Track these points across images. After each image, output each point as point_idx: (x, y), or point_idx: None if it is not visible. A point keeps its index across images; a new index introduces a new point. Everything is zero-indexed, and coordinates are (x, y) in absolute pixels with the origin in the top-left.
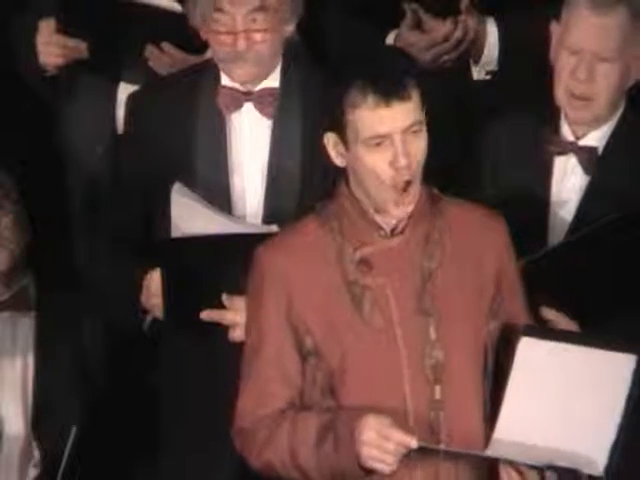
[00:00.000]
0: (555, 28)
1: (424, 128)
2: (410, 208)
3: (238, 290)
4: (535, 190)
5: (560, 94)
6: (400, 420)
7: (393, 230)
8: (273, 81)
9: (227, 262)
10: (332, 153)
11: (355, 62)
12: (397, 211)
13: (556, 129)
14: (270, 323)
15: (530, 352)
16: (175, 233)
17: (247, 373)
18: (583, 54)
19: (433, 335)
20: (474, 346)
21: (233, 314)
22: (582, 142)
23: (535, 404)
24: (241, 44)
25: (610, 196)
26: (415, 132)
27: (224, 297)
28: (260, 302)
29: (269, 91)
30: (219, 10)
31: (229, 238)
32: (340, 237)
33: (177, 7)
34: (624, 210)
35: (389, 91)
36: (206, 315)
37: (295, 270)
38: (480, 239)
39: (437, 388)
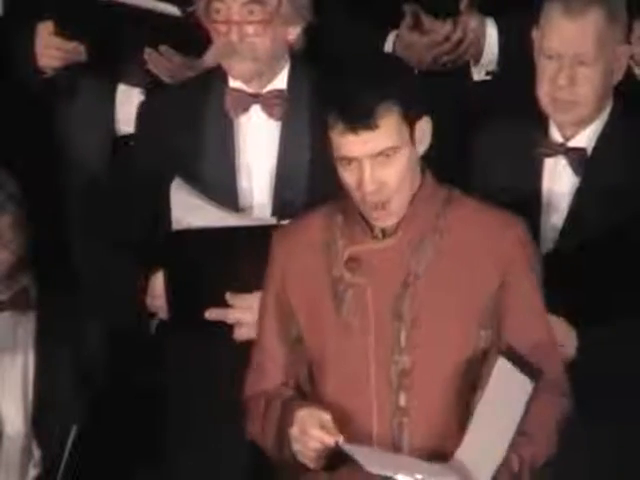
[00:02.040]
0: (535, 34)
1: (402, 150)
2: (390, 222)
3: (242, 287)
4: (526, 192)
5: (543, 99)
6: (365, 423)
7: (384, 232)
8: (280, 83)
9: (229, 256)
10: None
11: (331, 86)
12: (377, 223)
13: (545, 131)
14: (268, 307)
15: (503, 374)
16: (174, 227)
17: (254, 349)
18: (562, 59)
19: (403, 342)
20: (455, 353)
21: (237, 312)
22: (571, 143)
23: (489, 426)
24: (234, 35)
25: (601, 196)
26: (388, 156)
27: (228, 295)
28: (266, 286)
29: (276, 93)
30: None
31: (230, 231)
32: (338, 232)
33: (176, 11)
34: (616, 210)
35: (355, 121)
36: (210, 314)
37: (292, 259)
38: (487, 245)
39: (402, 395)
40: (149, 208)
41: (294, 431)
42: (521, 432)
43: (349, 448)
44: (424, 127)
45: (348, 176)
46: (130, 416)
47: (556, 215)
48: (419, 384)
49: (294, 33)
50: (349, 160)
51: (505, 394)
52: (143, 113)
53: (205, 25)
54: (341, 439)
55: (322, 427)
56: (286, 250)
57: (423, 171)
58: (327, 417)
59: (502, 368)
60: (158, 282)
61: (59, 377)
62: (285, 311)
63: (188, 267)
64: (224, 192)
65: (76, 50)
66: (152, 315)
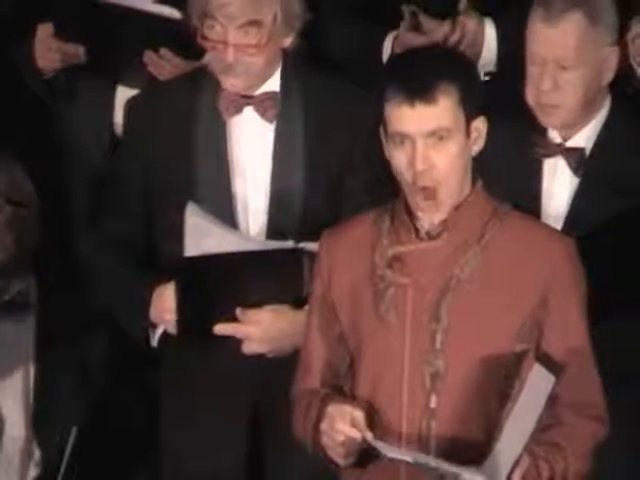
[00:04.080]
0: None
1: (455, 134)
2: (437, 216)
3: (251, 304)
4: (525, 193)
5: (531, 104)
6: (394, 422)
7: (429, 234)
8: (273, 85)
9: (241, 278)
10: (385, 146)
11: (398, 59)
12: (424, 215)
13: (543, 131)
14: (314, 307)
15: (536, 379)
16: (189, 252)
17: (302, 348)
18: (545, 64)
19: (438, 344)
20: (489, 362)
21: (246, 328)
22: (569, 144)
23: (517, 429)
24: (230, 56)
25: (601, 196)
26: (441, 138)
27: (238, 311)
28: (313, 287)
29: (269, 95)
30: (213, 18)
31: (243, 255)
32: (385, 233)
33: (176, 14)
34: (615, 209)
35: (414, 91)
36: (220, 329)
37: (338, 259)
38: (532, 260)
39: (432, 397)
40: (143, 211)
41: (324, 426)
42: (556, 444)
43: (377, 443)
44: (480, 127)
45: (399, 156)
46: (130, 417)
47: (555, 215)
48: (450, 388)
49: (287, 42)
50: (402, 137)
51: (534, 396)
52: (133, 111)
53: (198, 39)
54: (369, 435)
55: (353, 423)
56: (333, 251)
57: (474, 180)
58: (359, 414)
59: (536, 374)
60: (167, 296)
61: (59, 378)
62: (329, 311)
63: (200, 289)
64: (218, 193)
65: (75, 52)
66: (154, 325)
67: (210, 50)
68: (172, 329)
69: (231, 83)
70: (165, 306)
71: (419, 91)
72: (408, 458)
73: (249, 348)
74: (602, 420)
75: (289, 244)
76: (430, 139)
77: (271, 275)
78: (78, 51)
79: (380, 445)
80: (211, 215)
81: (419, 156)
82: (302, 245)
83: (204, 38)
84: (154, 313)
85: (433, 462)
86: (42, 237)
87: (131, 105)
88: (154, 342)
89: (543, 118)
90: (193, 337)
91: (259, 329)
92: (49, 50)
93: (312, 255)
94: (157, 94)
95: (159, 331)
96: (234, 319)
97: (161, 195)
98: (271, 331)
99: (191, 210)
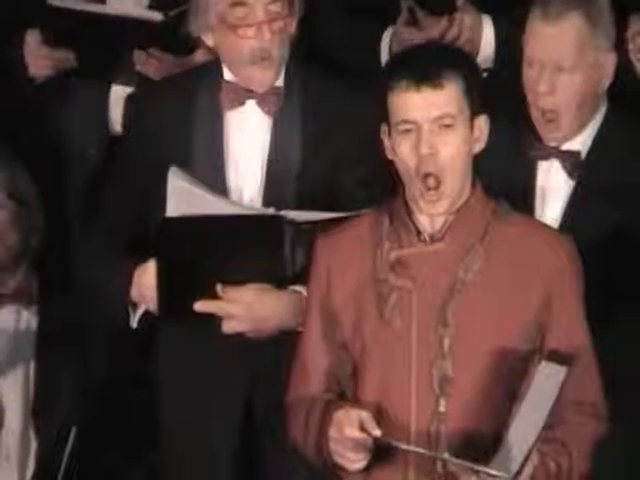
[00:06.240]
0: (523, 42)
1: (460, 125)
2: (440, 208)
3: (235, 278)
4: (519, 195)
5: (532, 112)
6: (403, 427)
7: (432, 236)
8: (278, 80)
9: (222, 245)
10: (386, 145)
11: (403, 51)
12: (425, 207)
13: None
14: (312, 310)
15: (543, 376)
16: (170, 214)
17: (297, 352)
18: (543, 66)
19: (446, 348)
20: (494, 365)
21: (228, 305)
22: (565, 146)
23: (527, 424)
24: (266, 34)
25: (595, 200)
26: (447, 126)
27: (219, 288)
28: (310, 288)
29: (274, 90)
30: (239, 4)
31: (225, 219)
32: (384, 234)
33: (157, 16)
34: (611, 212)
35: (421, 75)
36: (200, 307)
37: (338, 260)
38: (534, 260)
39: (442, 401)
40: (141, 204)
41: (332, 432)
42: (560, 442)
43: (391, 440)
44: (482, 126)
45: (404, 144)
46: (130, 413)
47: (550, 218)
48: (459, 391)
49: (294, 26)
50: (408, 124)
51: (543, 393)
52: (133, 106)
53: (220, 38)
54: (379, 433)
55: (362, 427)
56: (331, 253)
57: (474, 182)
58: (366, 414)
59: (543, 371)
60: (148, 272)
61: (60, 372)
62: (329, 316)
63: (181, 255)
64: (213, 186)
65: (65, 57)
66: (134, 306)
67: (240, 43)
68: (152, 306)
69: (260, 76)
70: (145, 282)
71: (426, 75)
72: (423, 450)
73: (229, 326)
74: (602, 418)
75: (270, 210)
76: (435, 126)
77: (251, 241)
78: (68, 56)
79: (394, 442)
80: (194, 179)
81: (424, 141)
82: (284, 213)
83: (235, 28)
84: (135, 291)
85: (447, 456)
86: (42, 236)
87: (131, 102)
88: (134, 323)
89: (544, 135)
90: (174, 314)
91: (241, 307)
92: (39, 57)
93: (293, 223)
94: (157, 91)
95: (140, 311)
96: (215, 296)
97: (159, 190)
98: (253, 310)
99: (174, 173)
